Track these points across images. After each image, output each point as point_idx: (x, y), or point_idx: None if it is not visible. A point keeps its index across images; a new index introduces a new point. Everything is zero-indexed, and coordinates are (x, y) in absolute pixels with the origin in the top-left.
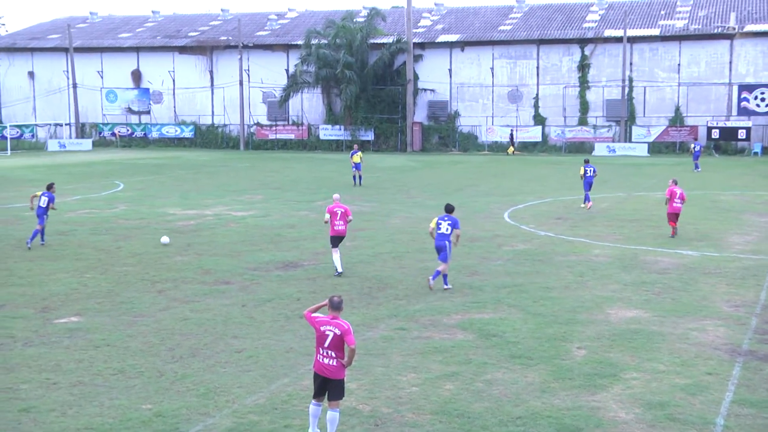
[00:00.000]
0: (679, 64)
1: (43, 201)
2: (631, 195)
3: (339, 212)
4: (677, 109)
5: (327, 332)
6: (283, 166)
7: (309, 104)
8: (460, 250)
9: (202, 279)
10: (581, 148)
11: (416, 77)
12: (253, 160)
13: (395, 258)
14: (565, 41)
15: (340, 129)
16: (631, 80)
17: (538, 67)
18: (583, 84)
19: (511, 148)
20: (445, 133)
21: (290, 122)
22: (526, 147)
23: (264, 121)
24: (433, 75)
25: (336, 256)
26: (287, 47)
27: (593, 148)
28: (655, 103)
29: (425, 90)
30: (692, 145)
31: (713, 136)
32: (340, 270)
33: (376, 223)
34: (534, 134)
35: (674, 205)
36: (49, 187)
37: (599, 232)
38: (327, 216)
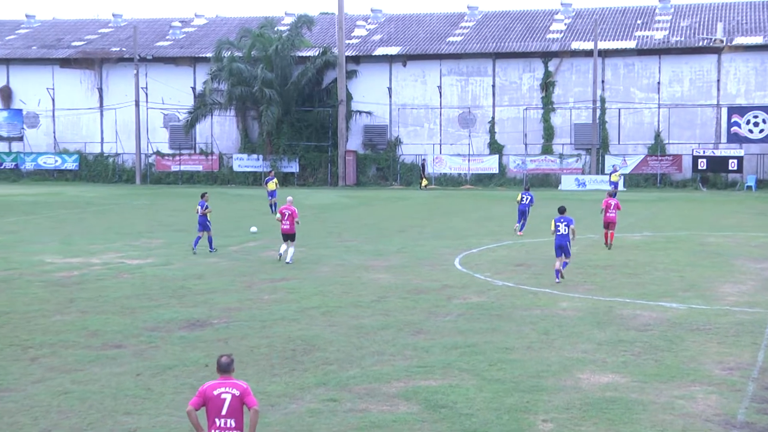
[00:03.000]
0: (659, 82)
1: (199, 209)
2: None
3: (287, 214)
4: (657, 135)
5: (223, 395)
6: (188, 204)
7: (220, 129)
8: (402, 304)
9: (87, 343)
10: (545, 180)
11: (349, 97)
12: (152, 196)
13: (325, 314)
14: (526, 55)
15: (258, 159)
16: (603, 101)
17: (493, 86)
18: (547, 105)
19: (424, 181)
20: (384, 164)
21: (197, 151)
22: (481, 180)
23: (165, 149)
24: (370, 94)
25: (284, 247)
26: (194, 60)
27: (560, 181)
28: (632, 128)
29: (360, 112)
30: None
31: (700, 167)
32: (282, 255)
33: (301, 272)
34: (490, 165)
35: (608, 215)
36: (203, 196)
37: (567, 281)
38: (278, 215)
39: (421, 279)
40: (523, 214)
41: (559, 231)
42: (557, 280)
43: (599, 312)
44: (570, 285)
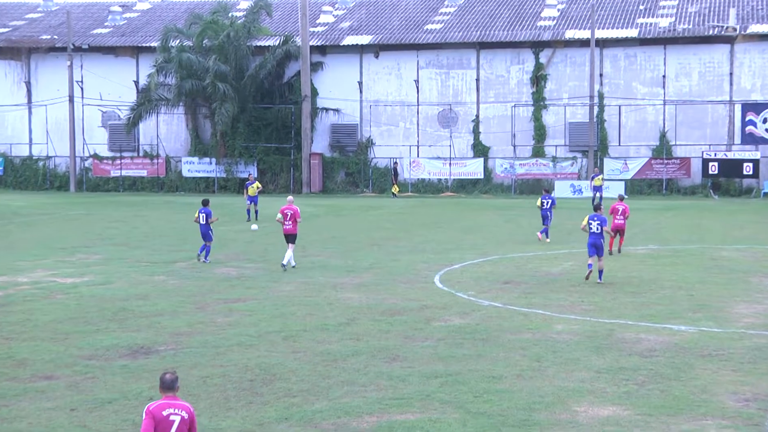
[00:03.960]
0: (664, 76)
1: (202, 218)
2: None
3: (288, 214)
4: (663, 135)
5: (172, 417)
6: (130, 214)
7: (167, 129)
8: (374, 327)
9: (12, 374)
10: (536, 187)
11: (314, 92)
12: (89, 205)
13: (287, 339)
14: (514, 45)
15: (211, 163)
16: (601, 97)
17: (478, 80)
18: (539, 102)
19: (395, 188)
20: (354, 168)
21: (141, 153)
22: (464, 186)
23: (104, 151)
24: (338, 89)
25: (288, 254)
26: (136, 50)
27: (553, 187)
28: (634, 128)
29: (327, 110)
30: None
31: (711, 172)
32: (284, 263)
33: (260, 291)
34: (473, 169)
35: (615, 221)
36: (205, 203)
37: (562, 300)
38: (279, 216)
39: (396, 298)
40: (546, 219)
41: (592, 229)
42: (599, 281)
43: (598, 336)
44: (565, 305)
